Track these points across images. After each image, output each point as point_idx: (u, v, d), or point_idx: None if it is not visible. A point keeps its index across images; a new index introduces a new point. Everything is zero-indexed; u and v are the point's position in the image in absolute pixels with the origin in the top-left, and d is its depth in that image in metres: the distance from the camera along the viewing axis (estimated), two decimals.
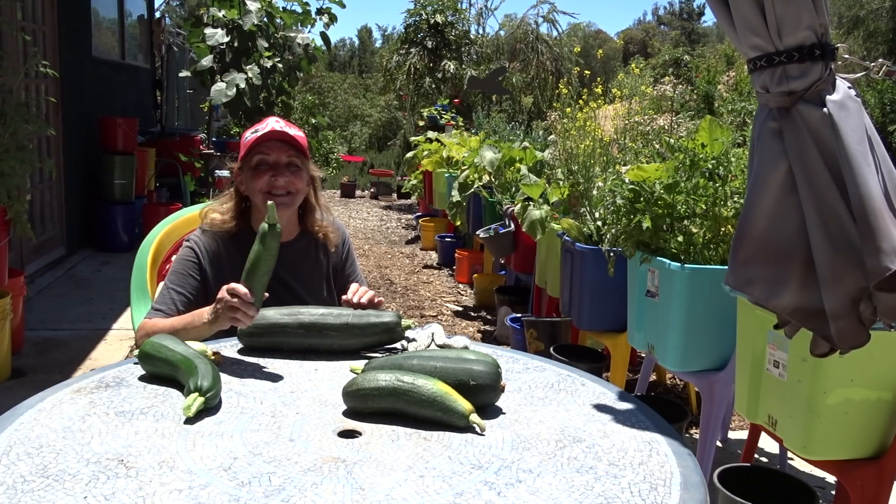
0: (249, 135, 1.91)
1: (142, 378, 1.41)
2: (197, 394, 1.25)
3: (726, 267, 1.43)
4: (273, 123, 1.90)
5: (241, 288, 1.53)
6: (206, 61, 5.55)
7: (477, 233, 4.76)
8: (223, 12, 5.56)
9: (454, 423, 1.21)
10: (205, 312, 1.66)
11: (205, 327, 1.64)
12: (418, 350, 1.52)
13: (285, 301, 1.87)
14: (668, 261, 2.34)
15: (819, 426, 1.78)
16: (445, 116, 10.32)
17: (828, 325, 1.28)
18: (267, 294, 1.58)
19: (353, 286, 1.85)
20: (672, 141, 2.63)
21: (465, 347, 1.55)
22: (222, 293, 1.57)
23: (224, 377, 1.38)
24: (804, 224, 1.27)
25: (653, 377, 3.53)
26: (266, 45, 5.62)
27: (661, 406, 2.55)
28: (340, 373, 1.46)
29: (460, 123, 9.59)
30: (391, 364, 1.35)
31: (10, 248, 3.83)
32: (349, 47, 50.68)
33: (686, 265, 2.30)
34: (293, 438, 1.17)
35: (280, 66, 5.62)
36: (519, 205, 3.74)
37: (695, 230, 2.40)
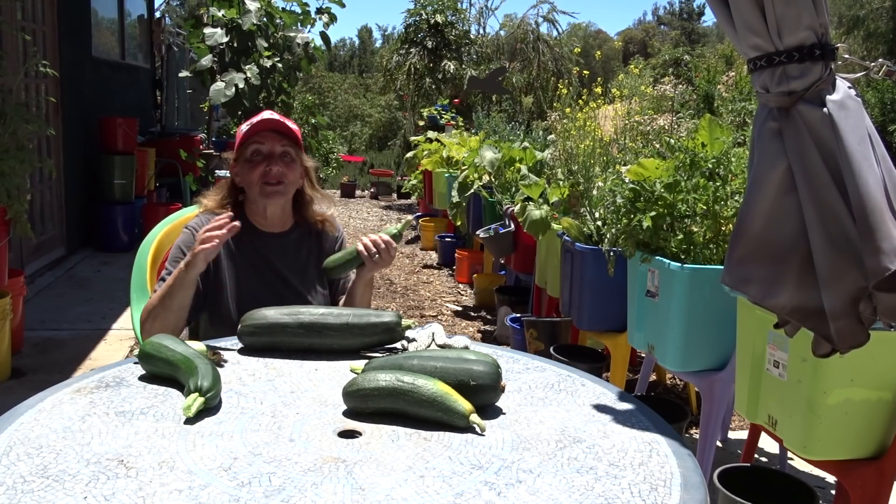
0: (245, 127, 1.96)
1: (142, 378, 1.41)
2: (197, 394, 1.25)
3: None
4: (267, 115, 1.95)
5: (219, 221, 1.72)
6: (206, 61, 5.56)
7: (477, 233, 4.76)
8: (223, 12, 5.56)
9: (454, 424, 1.21)
10: (181, 264, 1.78)
11: (183, 273, 1.75)
12: (418, 350, 1.52)
13: (278, 291, 1.90)
14: (668, 261, 2.34)
15: (819, 426, 1.78)
16: (445, 116, 10.31)
17: (827, 324, 1.28)
18: None
19: (367, 239, 1.92)
20: (672, 141, 2.63)
21: (466, 347, 1.55)
22: (200, 233, 1.75)
23: (224, 377, 1.37)
24: (803, 224, 1.27)
25: (653, 377, 3.53)
26: (266, 44, 5.63)
27: (661, 406, 2.55)
28: (340, 373, 1.46)
29: (460, 123, 9.58)
30: (391, 364, 1.35)
31: (10, 248, 3.83)
32: (349, 47, 50.70)
33: (686, 265, 2.30)
34: (293, 438, 1.17)
35: (280, 65, 5.62)
36: (519, 205, 3.74)
37: (695, 229, 2.40)
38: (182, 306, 1.79)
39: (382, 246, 1.90)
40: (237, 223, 1.75)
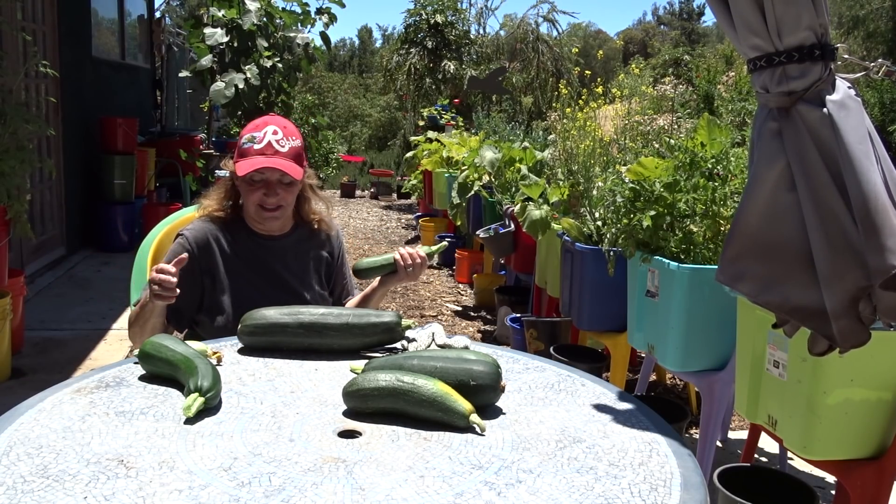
0: (246, 141, 1.90)
1: (142, 378, 1.42)
2: (197, 394, 1.25)
3: None
4: (270, 136, 1.88)
5: (167, 268, 1.67)
6: (206, 61, 5.55)
7: (477, 233, 4.76)
8: (223, 12, 5.56)
9: (454, 424, 1.21)
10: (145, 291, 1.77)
11: (150, 305, 1.75)
12: (418, 350, 1.52)
13: (278, 294, 1.90)
14: (667, 260, 2.34)
15: (819, 426, 1.78)
16: (445, 116, 10.31)
17: (828, 324, 1.28)
18: None
19: (404, 251, 1.94)
20: (672, 141, 2.63)
21: (466, 347, 1.55)
22: (152, 273, 1.69)
23: (224, 377, 1.37)
24: (800, 222, 1.27)
25: (653, 377, 3.53)
26: (266, 44, 5.62)
27: (661, 406, 2.55)
28: (340, 373, 1.46)
29: (460, 123, 9.58)
30: (391, 364, 1.35)
31: (10, 248, 3.83)
32: (349, 47, 50.72)
33: (686, 265, 2.30)
34: (293, 438, 1.17)
35: (280, 66, 5.62)
36: (519, 205, 3.74)
37: (695, 229, 2.40)
38: (155, 327, 1.79)
39: (418, 261, 1.93)
40: (175, 293, 1.68)
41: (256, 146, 1.87)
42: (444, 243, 2.23)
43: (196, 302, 1.91)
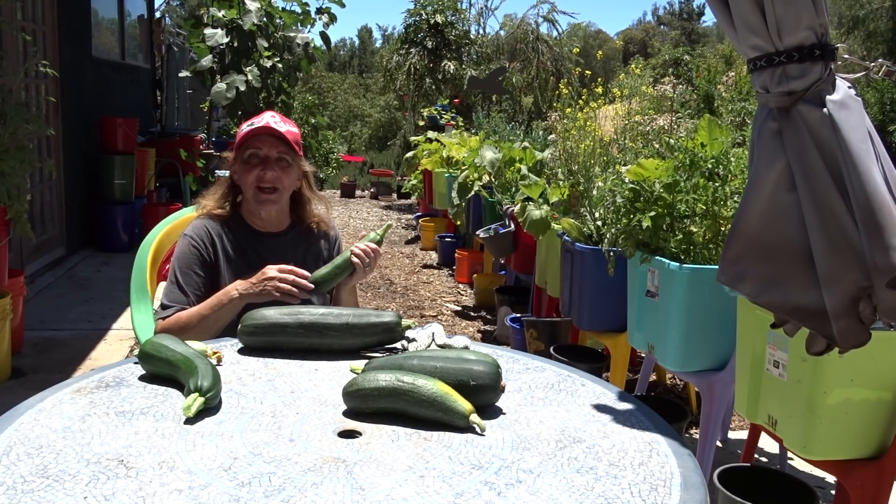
0: (245, 127, 1.96)
1: (142, 378, 1.41)
2: (197, 394, 1.25)
3: None
4: (268, 118, 1.94)
5: (298, 270, 1.79)
6: (206, 61, 5.56)
7: (477, 233, 4.76)
8: (223, 12, 5.56)
9: (454, 424, 1.21)
10: (232, 290, 1.81)
11: (237, 300, 1.80)
12: (418, 350, 1.52)
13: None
14: (667, 260, 2.34)
15: (819, 426, 1.78)
16: (445, 116, 10.32)
17: (828, 324, 1.28)
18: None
19: (357, 250, 1.92)
20: (672, 141, 2.63)
21: (466, 347, 1.55)
22: (272, 271, 1.79)
23: (224, 377, 1.37)
24: (800, 222, 1.27)
25: (653, 377, 3.53)
26: (266, 44, 5.63)
27: (661, 406, 2.55)
28: (340, 373, 1.46)
29: (460, 123, 9.58)
30: (391, 364, 1.35)
31: (10, 248, 3.83)
32: (349, 47, 50.77)
33: (686, 265, 2.30)
34: (293, 438, 1.17)
35: (280, 66, 5.62)
36: (519, 205, 3.74)
37: (695, 229, 2.40)
38: (221, 327, 1.81)
39: (373, 255, 1.92)
40: (311, 286, 1.81)
41: (255, 127, 1.93)
42: (390, 223, 2.31)
43: (204, 299, 1.92)
